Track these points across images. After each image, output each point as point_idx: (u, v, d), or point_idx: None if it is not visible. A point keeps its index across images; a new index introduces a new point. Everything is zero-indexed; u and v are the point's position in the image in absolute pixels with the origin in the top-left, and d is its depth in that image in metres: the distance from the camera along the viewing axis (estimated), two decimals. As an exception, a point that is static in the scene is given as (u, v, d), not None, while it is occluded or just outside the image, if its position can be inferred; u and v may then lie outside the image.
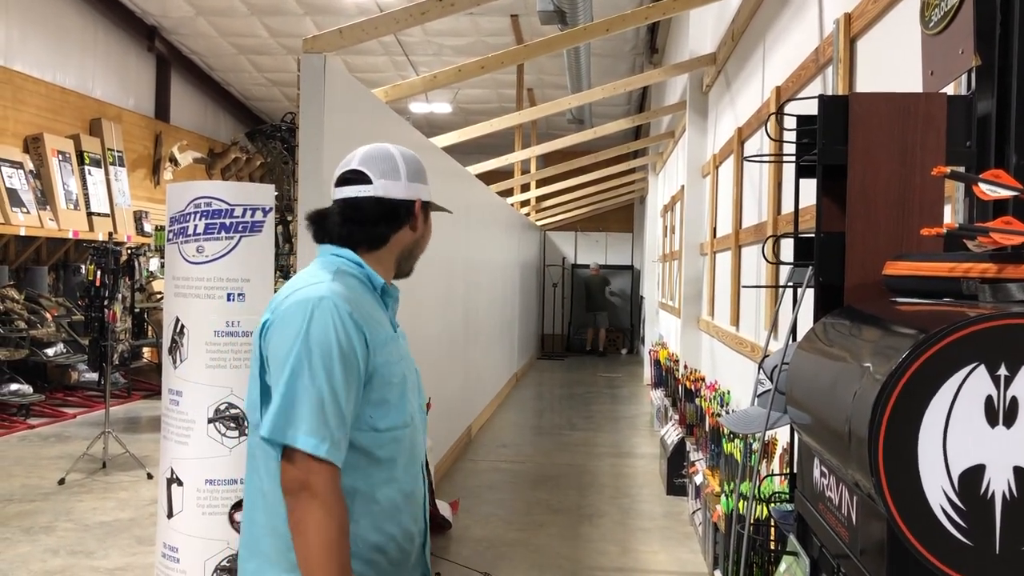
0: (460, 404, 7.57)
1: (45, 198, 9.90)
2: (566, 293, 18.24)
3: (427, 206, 1.97)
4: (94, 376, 9.34)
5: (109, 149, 11.28)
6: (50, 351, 9.25)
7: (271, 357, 1.73)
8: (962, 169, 1.72)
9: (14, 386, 8.55)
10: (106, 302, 7.48)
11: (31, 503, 5.73)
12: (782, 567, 1.88)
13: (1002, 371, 1.15)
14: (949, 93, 1.79)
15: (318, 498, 1.63)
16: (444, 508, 5.27)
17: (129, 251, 8.49)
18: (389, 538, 1.79)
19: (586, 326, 17.48)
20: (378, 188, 1.87)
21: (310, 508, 1.63)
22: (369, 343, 1.75)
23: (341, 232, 1.88)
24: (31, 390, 8.66)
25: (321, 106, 3.78)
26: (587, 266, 17.78)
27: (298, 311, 1.71)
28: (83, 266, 10.22)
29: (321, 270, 1.82)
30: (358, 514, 1.74)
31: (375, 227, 1.88)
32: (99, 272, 7.66)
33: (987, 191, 1.42)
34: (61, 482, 6.21)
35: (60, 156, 10.25)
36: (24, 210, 9.38)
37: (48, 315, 9.33)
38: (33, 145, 10.01)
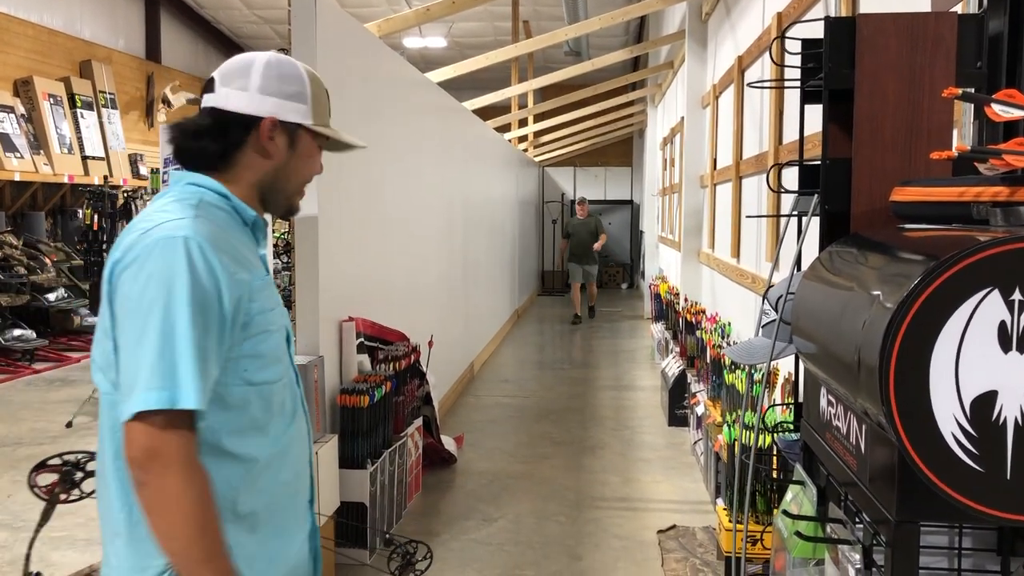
0: (462, 341, 7.60)
1: (38, 142, 9.79)
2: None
3: (296, 130, 1.60)
4: (96, 320, 9.37)
5: (101, 91, 11.11)
6: (51, 296, 9.26)
7: (121, 305, 1.44)
8: (973, 90, 1.68)
9: (17, 331, 8.58)
10: (105, 246, 7.45)
11: (40, 446, 5.78)
12: (789, 496, 1.89)
13: (1016, 296, 1.13)
14: (959, 12, 1.74)
15: (173, 465, 1.37)
16: (449, 443, 5.32)
17: (125, 194, 8.40)
18: (265, 496, 1.57)
19: (572, 278, 12.35)
20: (219, 97, 1.56)
21: (165, 478, 1.37)
22: (245, 289, 1.50)
23: (176, 150, 1.59)
24: (35, 335, 8.69)
25: (313, 42, 3.71)
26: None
27: (157, 252, 1.42)
28: (80, 210, 10.16)
29: (179, 203, 1.52)
30: (228, 474, 1.50)
31: (201, 141, 1.56)
32: (96, 216, 7.62)
33: (1000, 112, 1.38)
34: (69, 425, 6.26)
35: (51, 99, 10.11)
36: (18, 155, 9.28)
37: (48, 260, 9.31)
38: (23, 88, 9.86)
